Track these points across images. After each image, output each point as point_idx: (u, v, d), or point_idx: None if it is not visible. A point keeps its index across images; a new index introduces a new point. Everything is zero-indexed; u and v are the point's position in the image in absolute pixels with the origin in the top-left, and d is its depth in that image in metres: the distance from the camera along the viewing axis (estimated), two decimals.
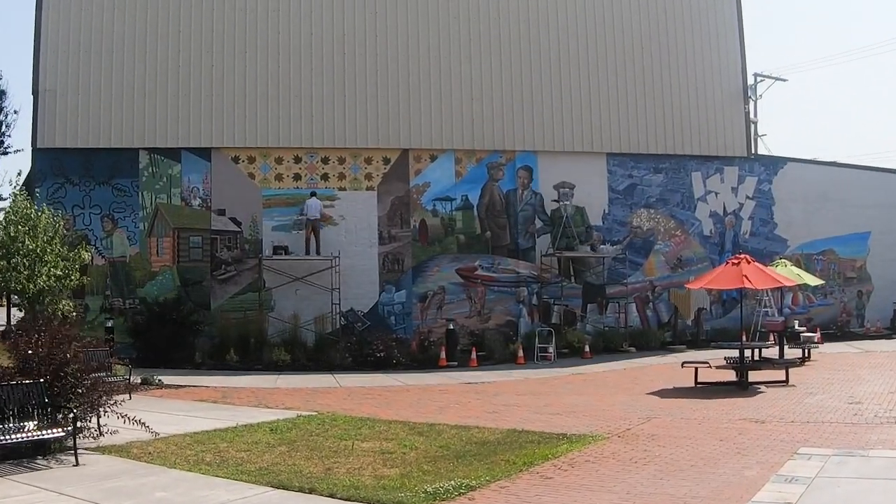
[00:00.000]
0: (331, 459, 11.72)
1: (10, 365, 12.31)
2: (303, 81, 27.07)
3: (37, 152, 25.96)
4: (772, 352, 23.79)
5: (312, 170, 27.31)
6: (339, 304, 26.49)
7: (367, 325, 26.94)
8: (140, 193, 26.35)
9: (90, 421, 12.46)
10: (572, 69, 29.19)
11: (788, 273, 24.38)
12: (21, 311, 19.61)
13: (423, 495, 9.76)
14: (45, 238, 19.19)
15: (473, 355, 25.06)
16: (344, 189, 27.46)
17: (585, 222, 29.41)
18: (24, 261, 18.66)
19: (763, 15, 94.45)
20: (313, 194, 26.40)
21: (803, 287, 29.78)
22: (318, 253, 26.04)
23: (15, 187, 20.27)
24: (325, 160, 27.40)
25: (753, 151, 32.55)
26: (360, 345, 25.21)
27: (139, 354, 23.46)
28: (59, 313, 18.17)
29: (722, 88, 30.99)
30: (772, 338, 26.37)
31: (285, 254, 25.96)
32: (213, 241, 26.51)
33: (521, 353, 25.45)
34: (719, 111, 30.87)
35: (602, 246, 29.15)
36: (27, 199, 19.81)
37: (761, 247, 31.09)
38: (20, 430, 11.41)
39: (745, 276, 19.47)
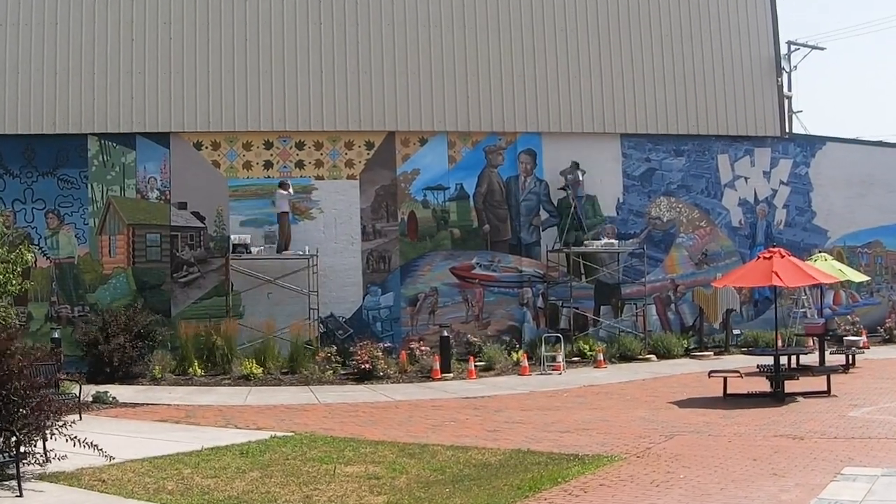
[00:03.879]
0: (310, 486, 11.74)
1: None
2: (273, 56, 27.01)
3: None
4: (811, 358, 23.90)
5: (285, 156, 27.30)
6: (318, 308, 26.49)
7: (350, 332, 26.94)
8: (89, 185, 26.28)
9: (35, 445, 12.44)
10: (580, 38, 29.18)
11: (829, 268, 24.43)
12: None
13: None
14: None
15: (471, 366, 25.07)
16: (321, 178, 27.44)
17: (597, 213, 29.45)
18: None
19: None
20: (282, 184, 26.37)
21: (846, 284, 29.86)
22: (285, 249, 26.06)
23: None
24: (300, 145, 27.38)
25: (788, 130, 32.59)
26: (342, 355, 25.21)
27: (90, 369, 23.42)
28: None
29: (751, 59, 31.00)
30: (811, 342, 26.51)
31: (246, 252, 25.88)
32: (173, 238, 26.46)
33: (525, 363, 25.45)
34: (748, 85, 30.87)
35: (610, 240, 29.08)
36: None
37: (798, 239, 31.18)
38: None
39: (776, 273, 19.50)
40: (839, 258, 29.42)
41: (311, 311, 26.46)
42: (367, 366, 24.09)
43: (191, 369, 24.25)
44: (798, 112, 32.77)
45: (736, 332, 29.85)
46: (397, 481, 12.00)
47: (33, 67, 25.77)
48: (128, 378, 23.38)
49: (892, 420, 15.94)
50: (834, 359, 24.02)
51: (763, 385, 19.68)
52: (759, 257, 21.39)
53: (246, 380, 23.73)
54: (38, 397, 12.57)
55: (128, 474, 12.42)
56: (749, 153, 31.27)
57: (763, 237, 31.01)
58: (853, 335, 26.37)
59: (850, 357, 24.29)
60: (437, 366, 24.76)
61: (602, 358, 26.44)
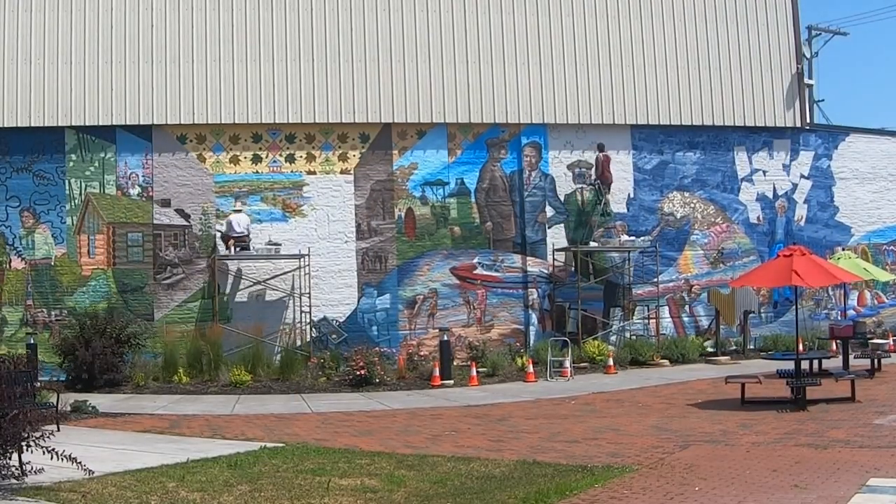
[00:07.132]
0: (302, 500, 11.75)
1: None
2: (262, 42, 27.02)
3: None
4: (833, 363, 23.90)
5: (275, 150, 27.31)
6: (310, 311, 26.52)
7: (344, 336, 26.97)
8: (67, 181, 26.30)
9: (10, 457, 12.44)
10: (588, 24, 29.19)
11: (852, 267, 24.45)
12: None
13: None
14: None
15: (473, 372, 25.08)
16: (313, 173, 27.47)
17: (606, 209, 29.46)
18: None
19: None
20: (237, 211, 26.39)
21: (871, 284, 29.87)
22: None
23: None
24: (291, 138, 27.39)
25: (809, 121, 32.59)
26: (336, 361, 25.24)
27: (68, 376, 23.49)
28: None
29: (770, 44, 31.00)
30: (833, 346, 26.52)
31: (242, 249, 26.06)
32: (155, 238, 26.49)
33: (530, 369, 25.45)
34: (767, 72, 30.89)
35: (625, 236, 29.14)
36: None
37: (820, 235, 31.21)
38: None
39: (795, 272, 19.50)
40: (864, 256, 29.45)
41: (303, 314, 26.49)
42: (363, 372, 24.11)
43: (175, 376, 24.30)
44: (820, 101, 32.74)
45: (754, 335, 29.87)
46: (395, 495, 12.00)
47: (6, 57, 25.77)
48: (108, 386, 23.42)
49: None
50: (858, 363, 24.01)
51: (783, 391, 19.68)
52: (778, 255, 21.41)
53: (234, 387, 23.77)
54: (13, 407, 12.56)
55: (109, 488, 12.42)
56: (768, 145, 31.28)
57: (783, 234, 31.03)
58: (879, 338, 26.36)
59: (877, 361, 24.29)
60: (436, 372, 24.78)
61: (612, 363, 26.45)
